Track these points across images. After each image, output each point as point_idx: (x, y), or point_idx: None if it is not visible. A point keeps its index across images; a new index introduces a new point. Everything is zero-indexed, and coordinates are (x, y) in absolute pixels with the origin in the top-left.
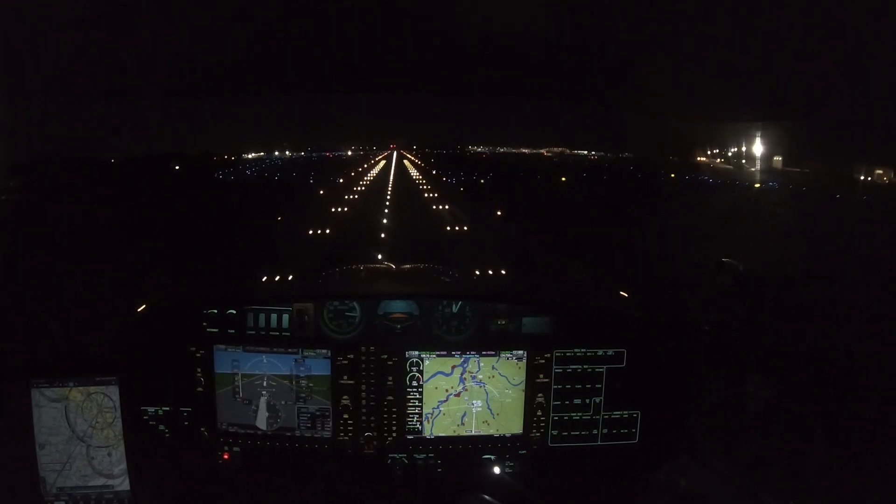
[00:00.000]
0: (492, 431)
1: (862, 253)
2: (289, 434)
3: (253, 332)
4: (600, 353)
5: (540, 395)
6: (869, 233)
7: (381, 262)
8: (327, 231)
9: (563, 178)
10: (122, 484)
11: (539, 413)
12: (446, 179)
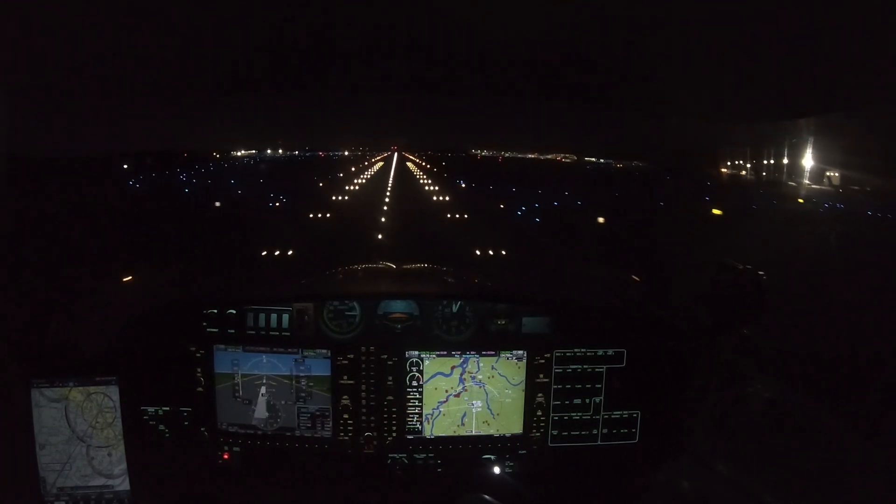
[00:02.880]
0: (492, 431)
1: None
2: (289, 434)
3: (253, 332)
4: (600, 352)
5: (540, 395)
6: None
7: (381, 262)
8: None
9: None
10: (123, 484)
11: (539, 413)
12: (504, 207)
